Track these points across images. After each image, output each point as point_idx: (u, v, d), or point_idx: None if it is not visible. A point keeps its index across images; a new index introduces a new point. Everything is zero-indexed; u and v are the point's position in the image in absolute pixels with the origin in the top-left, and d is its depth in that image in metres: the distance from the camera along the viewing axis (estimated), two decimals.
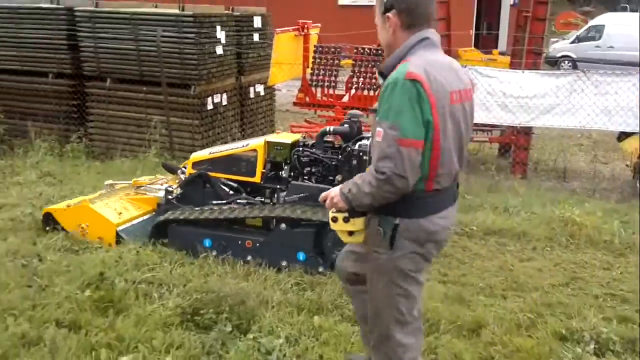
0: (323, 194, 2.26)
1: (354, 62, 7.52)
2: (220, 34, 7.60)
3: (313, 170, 4.38)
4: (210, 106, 7.57)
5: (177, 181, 4.75)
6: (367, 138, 4.18)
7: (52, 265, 3.66)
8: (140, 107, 7.62)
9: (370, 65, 7.35)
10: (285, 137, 4.70)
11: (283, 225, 4.05)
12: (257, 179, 4.45)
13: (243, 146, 4.63)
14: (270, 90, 9.15)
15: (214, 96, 7.66)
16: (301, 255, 4.00)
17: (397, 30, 2.15)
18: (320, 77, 7.49)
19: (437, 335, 3.08)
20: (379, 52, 7.47)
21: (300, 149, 4.42)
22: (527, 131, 7.05)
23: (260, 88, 8.79)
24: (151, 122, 7.37)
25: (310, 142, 4.53)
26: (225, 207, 4.32)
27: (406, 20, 2.13)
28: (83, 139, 7.60)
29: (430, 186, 2.11)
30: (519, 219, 5.15)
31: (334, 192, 2.19)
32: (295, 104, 7.83)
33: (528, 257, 4.42)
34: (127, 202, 4.68)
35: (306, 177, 4.37)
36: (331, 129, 4.33)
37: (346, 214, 2.17)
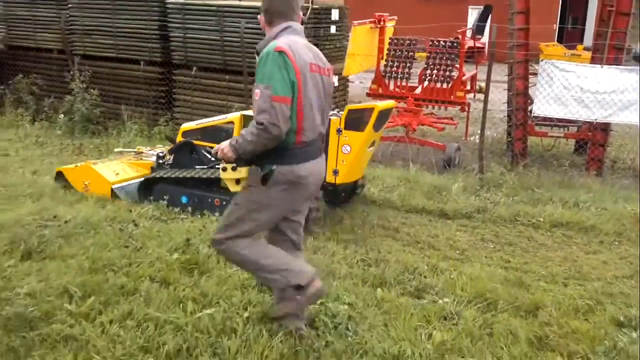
0: (216, 147, 2.71)
1: (428, 54, 7.61)
2: None
3: None
4: None
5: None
6: (334, 115, 4.71)
7: (145, 230, 4.10)
8: (222, 95, 8.10)
9: (445, 58, 7.42)
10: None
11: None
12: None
13: (223, 119, 5.26)
14: (344, 82, 9.40)
15: None
16: None
17: (265, 26, 2.77)
18: (394, 69, 7.64)
19: (494, 313, 3.23)
20: (454, 44, 7.53)
21: None
22: (604, 127, 6.89)
23: (334, 79, 9.06)
24: (231, 109, 7.82)
25: None
26: (200, 170, 4.89)
27: (267, 17, 2.75)
28: (170, 123, 8.17)
29: (299, 139, 2.62)
30: (589, 214, 5.12)
31: (224, 145, 2.64)
32: (368, 94, 8.01)
33: (594, 250, 4.43)
34: (126, 166, 5.38)
35: None
36: None
37: (234, 164, 2.62)
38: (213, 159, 4.90)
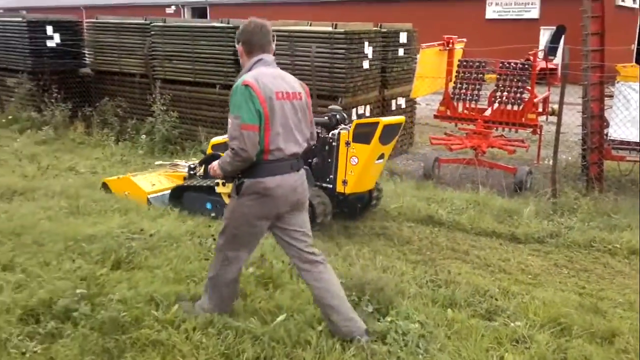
0: (210, 166, 3.17)
1: (498, 76, 7.56)
2: (368, 50, 8.12)
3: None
4: (354, 117, 8.08)
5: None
6: (344, 128, 5.13)
7: None
8: None
9: (515, 80, 7.35)
10: None
11: None
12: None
13: None
14: (411, 104, 9.49)
15: (359, 107, 8.19)
16: None
17: (243, 55, 3.12)
18: (463, 90, 7.64)
19: (569, 338, 3.18)
20: (526, 66, 7.45)
21: None
22: None
23: (402, 101, 9.16)
24: None
25: None
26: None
27: (246, 48, 3.07)
28: None
29: (266, 157, 2.98)
30: None
31: (214, 164, 3.09)
32: (435, 116, 8.05)
33: None
34: (162, 177, 5.89)
35: None
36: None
37: (223, 180, 3.34)
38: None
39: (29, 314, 3.10)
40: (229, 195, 3.17)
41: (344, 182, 5.19)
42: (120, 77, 10.34)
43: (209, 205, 5.28)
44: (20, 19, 10.58)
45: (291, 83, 3.10)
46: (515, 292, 3.84)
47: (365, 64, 8.07)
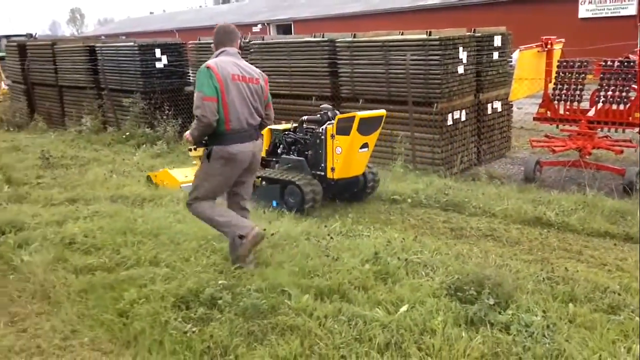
0: (184, 135, 4.01)
1: (602, 75, 7.36)
2: (462, 55, 8.17)
3: (294, 147, 6.53)
4: (450, 122, 8.15)
5: None
6: (330, 123, 6.07)
7: (337, 244, 4.58)
8: (387, 124, 8.52)
9: (620, 78, 7.12)
10: (282, 126, 6.93)
11: (264, 183, 6.31)
12: (263, 154, 6.60)
13: None
14: (507, 107, 9.38)
15: (454, 113, 8.23)
16: (274, 203, 6.13)
17: (214, 49, 4.05)
18: (564, 91, 7.49)
19: None
20: (630, 63, 7.20)
21: (288, 133, 6.61)
22: None
23: (497, 105, 9.09)
24: (397, 137, 8.24)
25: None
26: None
27: (215, 43, 4.05)
28: None
29: (228, 127, 3.79)
30: None
31: (187, 133, 3.92)
32: (535, 119, 7.93)
33: None
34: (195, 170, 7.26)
35: (291, 152, 6.54)
36: (306, 118, 6.58)
37: (194, 146, 4.05)
38: None
39: (180, 301, 3.49)
40: (200, 159, 4.05)
41: (332, 169, 6.14)
42: None
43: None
44: (132, 44, 11.56)
45: (248, 70, 3.98)
46: (637, 289, 3.79)
47: (460, 69, 8.13)
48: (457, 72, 8.10)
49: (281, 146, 6.71)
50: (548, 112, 7.70)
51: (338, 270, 4.01)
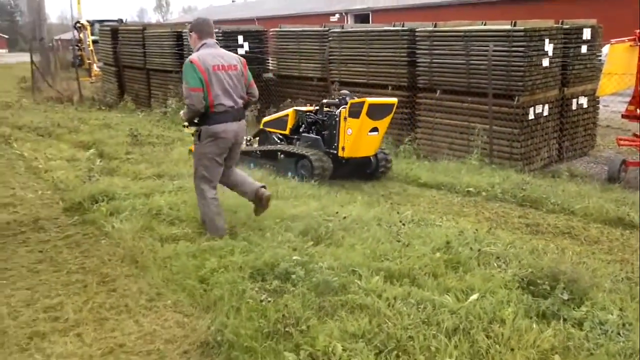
0: (180, 113, 4.92)
1: None
2: (548, 47, 7.89)
3: (313, 127, 7.30)
4: (531, 116, 7.91)
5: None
6: (344, 107, 6.78)
7: (409, 231, 4.62)
8: (464, 116, 8.42)
9: None
10: (306, 108, 7.67)
11: (282, 156, 7.16)
12: (287, 132, 7.58)
13: (284, 113, 7.78)
14: (594, 103, 8.98)
15: (536, 107, 7.98)
16: (289, 173, 6.87)
17: (195, 41, 4.50)
18: None
19: None
20: None
21: (309, 114, 7.37)
22: None
23: (583, 100, 8.72)
24: (474, 130, 8.10)
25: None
26: (269, 147, 7.55)
27: (197, 36, 4.48)
28: (413, 142, 8.78)
29: (212, 110, 4.34)
30: None
31: (181, 113, 4.62)
32: (624, 116, 7.54)
33: None
34: None
35: (311, 131, 7.31)
36: (325, 101, 7.36)
37: (187, 123, 4.59)
38: (277, 140, 7.69)
39: (256, 273, 3.67)
40: (193, 136, 4.61)
41: (343, 149, 6.80)
42: (299, 80, 11.23)
43: (252, 165, 7.31)
44: (217, 30, 11.96)
45: (227, 59, 4.45)
46: None
47: (545, 62, 7.86)
48: (542, 64, 7.84)
49: (303, 125, 7.47)
50: (638, 109, 7.31)
51: (408, 256, 4.06)
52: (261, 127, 7.97)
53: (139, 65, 14.64)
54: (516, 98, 7.76)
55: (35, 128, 10.15)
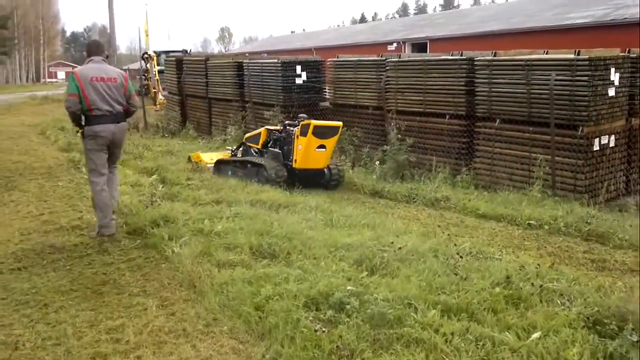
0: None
1: None
2: (614, 76, 7.63)
3: (277, 143, 8.96)
4: (596, 147, 7.63)
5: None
6: (296, 127, 8.37)
7: (466, 264, 4.50)
8: (525, 146, 8.21)
9: None
10: (274, 127, 9.46)
11: (249, 165, 8.82)
12: (259, 146, 9.25)
13: (257, 131, 9.46)
14: None
15: (601, 137, 7.69)
16: (255, 179, 8.24)
17: (85, 58, 5.78)
18: None
19: None
20: None
21: (275, 132, 9.06)
22: None
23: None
24: (535, 160, 7.87)
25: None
26: (241, 157, 9.36)
27: (86, 54, 5.75)
28: (470, 172, 8.62)
29: (92, 113, 5.40)
30: None
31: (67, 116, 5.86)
32: None
33: None
34: (219, 155, 9.98)
35: (275, 146, 8.99)
36: (287, 122, 9.01)
37: (78, 128, 5.60)
38: (254, 152, 9.38)
39: (310, 302, 3.67)
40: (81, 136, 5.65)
41: (294, 161, 8.39)
42: (355, 109, 11.30)
43: (230, 172, 8.91)
44: (275, 61, 12.31)
45: (108, 73, 5.56)
46: None
47: (611, 91, 7.59)
48: (607, 94, 7.59)
49: (270, 142, 9.09)
50: None
51: (466, 289, 3.95)
52: (243, 141, 9.83)
53: (201, 94, 15.19)
54: (580, 128, 7.51)
55: None
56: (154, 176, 8.31)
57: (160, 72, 22.48)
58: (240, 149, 9.77)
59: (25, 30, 65.67)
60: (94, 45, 5.79)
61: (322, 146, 8.21)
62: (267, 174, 8.21)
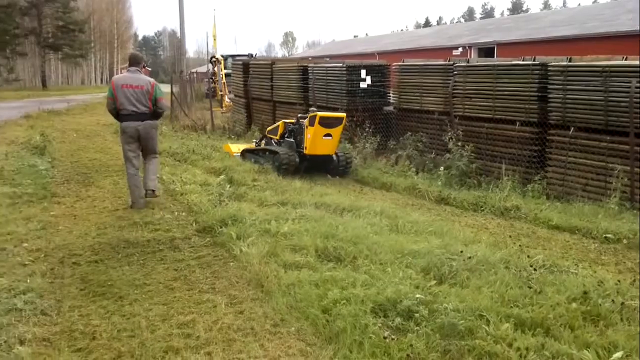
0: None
1: None
2: None
3: (292, 133, 10.10)
4: None
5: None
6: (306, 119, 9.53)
7: (540, 277, 4.33)
8: (601, 155, 7.81)
9: None
10: (290, 120, 10.54)
11: (267, 153, 10.15)
12: (278, 137, 10.48)
13: (276, 124, 10.79)
14: None
15: None
16: (270, 165, 9.54)
17: (127, 67, 7.18)
18: None
19: None
20: None
21: (290, 124, 10.27)
22: None
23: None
24: (612, 171, 7.47)
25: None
26: (262, 147, 10.71)
27: (127, 64, 7.15)
28: (543, 181, 8.30)
29: (121, 112, 6.73)
30: None
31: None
32: None
33: None
34: (246, 145, 11.48)
35: (290, 137, 10.16)
36: (300, 115, 10.17)
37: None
38: (274, 143, 10.67)
39: (378, 308, 3.64)
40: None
41: (305, 148, 9.51)
42: (420, 114, 11.13)
43: (252, 159, 10.29)
44: (340, 65, 12.33)
45: (137, 81, 6.70)
46: None
47: None
48: None
49: (287, 133, 10.28)
50: None
51: (541, 304, 3.81)
52: (265, 134, 11.22)
53: (266, 97, 15.44)
54: None
55: (173, 154, 11.01)
56: (222, 176, 8.49)
57: (227, 75, 23.05)
58: (263, 140, 11.12)
59: (100, 34, 69.24)
60: (133, 58, 7.04)
61: (328, 135, 9.33)
62: (281, 159, 9.42)
